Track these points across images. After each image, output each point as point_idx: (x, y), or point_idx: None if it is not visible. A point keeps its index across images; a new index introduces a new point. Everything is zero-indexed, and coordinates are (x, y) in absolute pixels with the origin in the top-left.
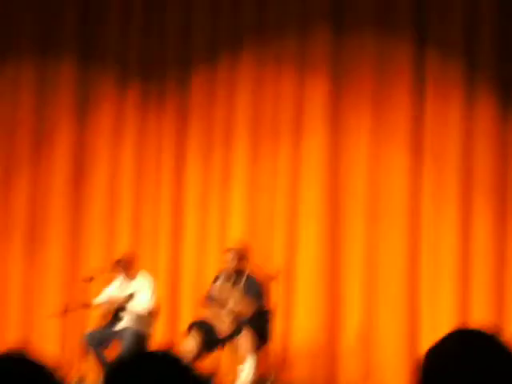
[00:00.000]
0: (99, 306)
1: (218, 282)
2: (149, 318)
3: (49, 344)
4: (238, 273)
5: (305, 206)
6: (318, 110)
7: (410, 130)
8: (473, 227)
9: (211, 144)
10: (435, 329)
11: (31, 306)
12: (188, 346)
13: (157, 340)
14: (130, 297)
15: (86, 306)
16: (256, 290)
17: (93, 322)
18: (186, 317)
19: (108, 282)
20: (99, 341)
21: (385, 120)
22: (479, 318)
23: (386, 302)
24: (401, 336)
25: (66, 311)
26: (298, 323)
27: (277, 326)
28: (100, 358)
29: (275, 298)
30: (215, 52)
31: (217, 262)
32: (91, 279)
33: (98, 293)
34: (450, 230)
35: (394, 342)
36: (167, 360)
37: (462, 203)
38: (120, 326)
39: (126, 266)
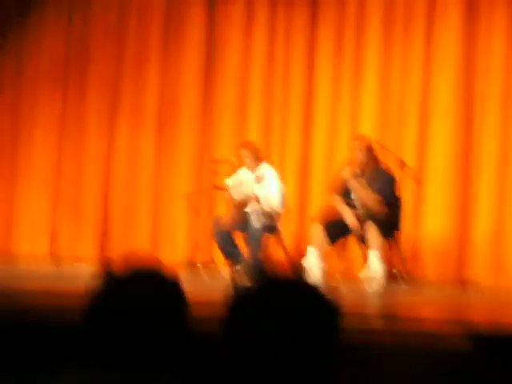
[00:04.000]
0: (230, 191)
1: (350, 177)
2: (277, 210)
3: (179, 227)
4: (368, 163)
5: (437, 102)
6: (452, 4)
7: None
8: None
9: (342, 32)
10: None
11: (162, 192)
12: (318, 236)
13: (287, 231)
14: (261, 187)
15: (217, 187)
16: (387, 179)
17: (222, 208)
18: (316, 206)
19: (237, 167)
20: (226, 233)
21: None
22: None
23: None
24: None
25: (195, 194)
26: (428, 219)
27: (406, 223)
28: (227, 249)
29: (406, 191)
30: None
31: (347, 153)
32: (220, 162)
33: (229, 177)
34: None
35: None
36: (296, 289)
37: None
38: (250, 215)
39: (255, 153)
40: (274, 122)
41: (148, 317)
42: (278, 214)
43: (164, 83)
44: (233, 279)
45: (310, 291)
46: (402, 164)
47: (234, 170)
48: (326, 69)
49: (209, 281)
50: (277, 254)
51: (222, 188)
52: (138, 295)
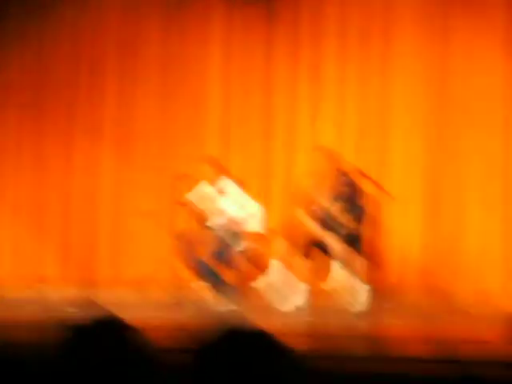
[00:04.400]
0: (193, 205)
1: (316, 191)
2: (242, 222)
3: (141, 243)
4: (331, 175)
5: (397, 112)
6: (407, 14)
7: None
8: None
9: (299, 47)
10: None
11: (123, 209)
12: (280, 250)
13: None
14: (224, 197)
15: (179, 203)
16: (350, 189)
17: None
18: (278, 219)
19: (199, 181)
20: (192, 245)
21: (479, 17)
22: None
23: (498, 216)
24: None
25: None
26: (399, 236)
27: (379, 239)
28: (193, 264)
29: (378, 209)
30: None
31: (307, 165)
32: (181, 177)
33: (191, 191)
34: None
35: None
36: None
37: None
38: (214, 228)
39: (215, 167)
40: (233, 134)
41: (111, 367)
42: (242, 226)
43: (121, 98)
44: (200, 296)
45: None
46: (364, 175)
47: (195, 184)
48: (284, 82)
49: (173, 300)
50: (242, 266)
51: (184, 203)
52: (101, 346)
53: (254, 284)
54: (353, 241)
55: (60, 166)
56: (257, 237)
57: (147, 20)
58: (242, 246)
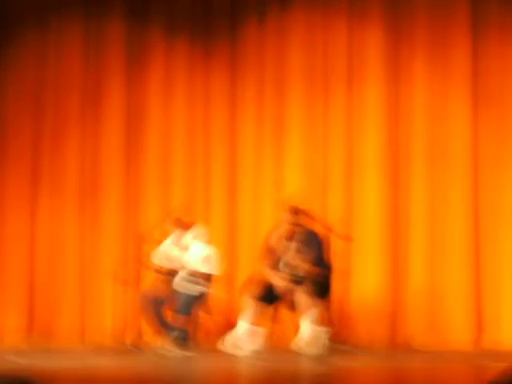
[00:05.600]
0: (156, 263)
1: (274, 239)
2: (206, 279)
3: (105, 301)
4: (296, 228)
5: (362, 157)
6: (372, 58)
7: (470, 75)
8: None
9: (263, 95)
10: (499, 283)
11: (87, 266)
12: (246, 304)
13: (216, 300)
14: (186, 256)
15: (143, 264)
16: (315, 243)
17: (149, 280)
18: (244, 272)
19: (162, 238)
20: (155, 302)
21: (443, 65)
22: None
23: (451, 256)
24: (465, 291)
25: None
26: (358, 279)
27: (337, 282)
28: (157, 318)
29: (335, 252)
30: (265, 0)
31: (273, 216)
32: (145, 234)
33: (154, 249)
34: None
35: (458, 298)
36: None
37: None
38: (176, 284)
39: (181, 223)
40: (197, 188)
41: None
42: (208, 280)
43: (84, 155)
44: (163, 352)
45: None
46: (328, 228)
47: (159, 241)
48: (248, 131)
49: (138, 359)
50: (206, 322)
51: (148, 261)
52: None
53: (220, 345)
54: (322, 292)
55: (23, 220)
56: (214, 283)
57: (110, 69)
58: (199, 291)
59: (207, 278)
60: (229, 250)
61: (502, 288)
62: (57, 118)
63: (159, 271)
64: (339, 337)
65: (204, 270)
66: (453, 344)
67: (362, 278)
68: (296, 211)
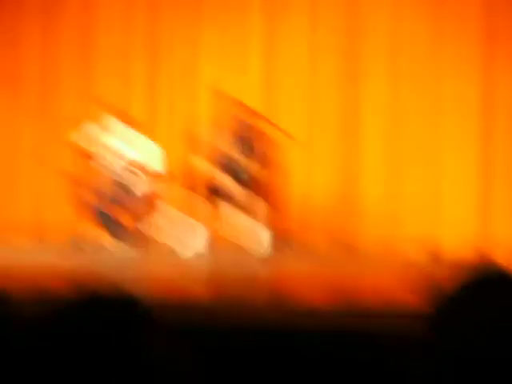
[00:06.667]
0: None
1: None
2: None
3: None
4: (241, 125)
5: (325, 54)
6: None
7: None
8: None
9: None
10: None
11: (13, 148)
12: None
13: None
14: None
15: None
16: (254, 138)
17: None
18: (176, 163)
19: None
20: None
21: None
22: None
23: (409, 164)
24: (422, 198)
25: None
26: (316, 181)
27: (295, 186)
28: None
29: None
30: None
31: (207, 108)
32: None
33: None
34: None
35: (414, 201)
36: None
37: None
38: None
39: (104, 109)
40: (132, 73)
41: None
42: (142, 167)
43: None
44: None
45: None
46: (263, 118)
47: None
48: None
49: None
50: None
51: (71, 144)
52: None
53: (140, 226)
54: (253, 185)
55: None
56: (156, 178)
57: None
58: (141, 188)
59: (143, 165)
60: (163, 142)
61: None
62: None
63: (85, 155)
64: (283, 239)
65: (140, 157)
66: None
67: (305, 179)
68: (240, 110)
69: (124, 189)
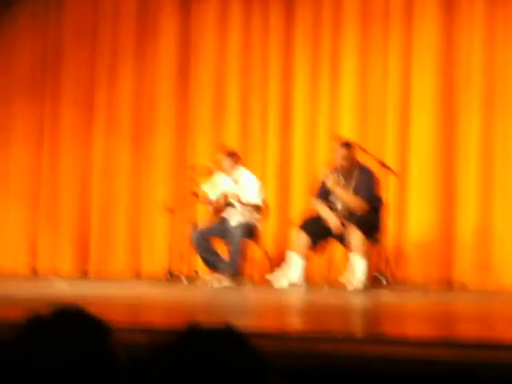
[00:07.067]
0: (208, 195)
1: (329, 178)
2: (257, 211)
3: (157, 236)
4: (347, 163)
5: (417, 99)
6: None
7: None
8: None
9: (319, 32)
10: None
11: (140, 201)
12: (299, 240)
13: (267, 233)
14: (238, 188)
15: (195, 194)
16: (367, 178)
17: (201, 215)
18: (297, 209)
19: (215, 171)
20: (205, 239)
21: (501, 4)
22: None
23: (503, 196)
24: None
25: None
26: (411, 219)
27: (390, 222)
28: (206, 256)
29: (389, 191)
30: None
31: (326, 154)
32: (197, 168)
33: (206, 182)
34: None
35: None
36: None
37: None
38: (228, 219)
39: (231, 156)
40: (252, 124)
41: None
42: (259, 213)
43: (139, 89)
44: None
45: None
46: (382, 163)
47: (210, 174)
48: (304, 69)
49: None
50: (256, 256)
51: (200, 194)
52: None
53: (269, 276)
54: (371, 231)
55: (77, 158)
56: (254, 209)
57: (165, 11)
58: (237, 219)
59: (259, 209)
60: (282, 185)
61: None
62: (112, 52)
63: (210, 203)
64: (391, 275)
65: (256, 201)
66: (506, 284)
67: (414, 220)
68: (348, 145)
69: (222, 220)
